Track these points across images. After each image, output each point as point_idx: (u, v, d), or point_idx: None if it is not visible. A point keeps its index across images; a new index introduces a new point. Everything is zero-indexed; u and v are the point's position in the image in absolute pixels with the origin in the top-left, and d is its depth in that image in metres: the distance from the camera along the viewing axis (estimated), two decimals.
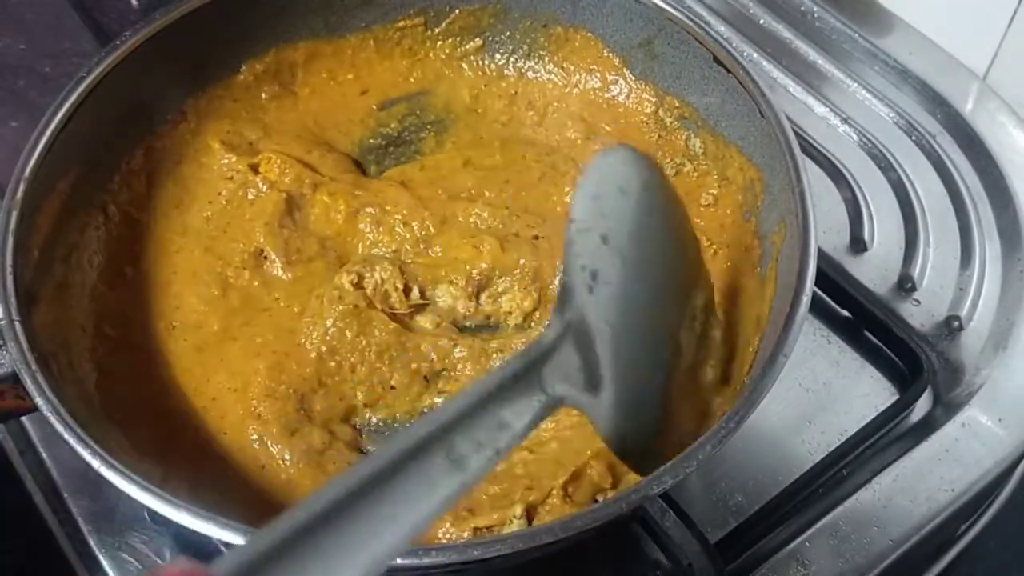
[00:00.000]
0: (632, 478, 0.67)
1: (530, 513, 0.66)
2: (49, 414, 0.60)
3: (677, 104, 0.84)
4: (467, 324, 0.78)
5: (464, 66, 0.91)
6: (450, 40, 0.90)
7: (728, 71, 0.78)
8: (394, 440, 0.47)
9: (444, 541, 0.65)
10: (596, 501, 0.66)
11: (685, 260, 0.67)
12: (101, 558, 0.74)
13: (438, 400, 0.74)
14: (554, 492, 0.66)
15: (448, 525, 0.65)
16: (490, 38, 0.90)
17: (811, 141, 0.94)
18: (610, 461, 0.68)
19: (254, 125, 0.85)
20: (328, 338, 0.74)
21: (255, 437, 0.70)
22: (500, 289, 0.78)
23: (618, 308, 0.59)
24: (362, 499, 0.43)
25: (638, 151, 0.62)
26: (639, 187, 0.61)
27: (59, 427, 0.59)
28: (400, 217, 0.80)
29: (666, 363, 0.64)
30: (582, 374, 0.56)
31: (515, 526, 0.64)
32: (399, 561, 0.55)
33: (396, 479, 0.45)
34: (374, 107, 0.89)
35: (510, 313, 0.78)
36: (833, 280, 0.84)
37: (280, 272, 0.79)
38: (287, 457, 0.69)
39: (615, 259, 0.59)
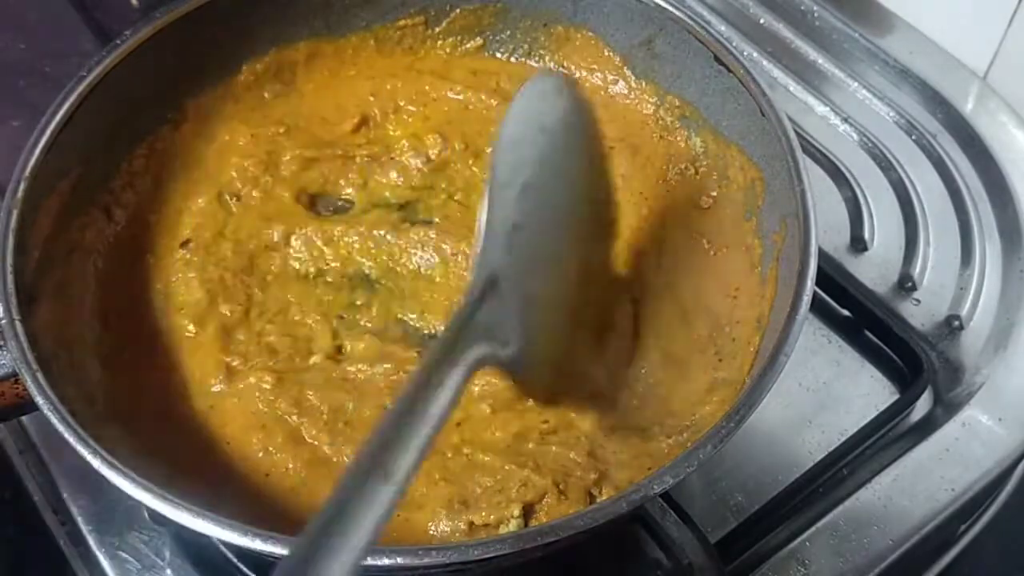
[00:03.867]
0: (620, 473, 0.67)
1: (527, 512, 0.66)
2: (49, 414, 0.60)
3: (678, 103, 0.84)
4: None
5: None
6: (450, 39, 0.90)
7: (729, 70, 0.78)
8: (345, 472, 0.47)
9: (439, 536, 0.65)
10: (591, 496, 0.66)
11: (597, 200, 0.67)
12: (101, 558, 0.74)
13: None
14: (548, 491, 0.66)
15: (443, 518, 0.65)
16: (490, 37, 0.90)
17: (811, 141, 0.94)
18: (589, 450, 0.68)
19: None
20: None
21: (259, 449, 0.69)
22: None
23: (532, 255, 0.58)
24: (324, 537, 0.44)
25: (562, 79, 0.60)
26: (560, 126, 0.60)
27: (59, 427, 0.59)
28: None
29: (569, 303, 0.64)
30: (497, 331, 0.55)
31: (513, 525, 0.64)
32: (399, 560, 0.55)
33: (347, 510, 0.45)
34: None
35: None
36: (833, 280, 0.84)
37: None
38: (290, 466, 0.68)
39: (534, 206, 0.58)
